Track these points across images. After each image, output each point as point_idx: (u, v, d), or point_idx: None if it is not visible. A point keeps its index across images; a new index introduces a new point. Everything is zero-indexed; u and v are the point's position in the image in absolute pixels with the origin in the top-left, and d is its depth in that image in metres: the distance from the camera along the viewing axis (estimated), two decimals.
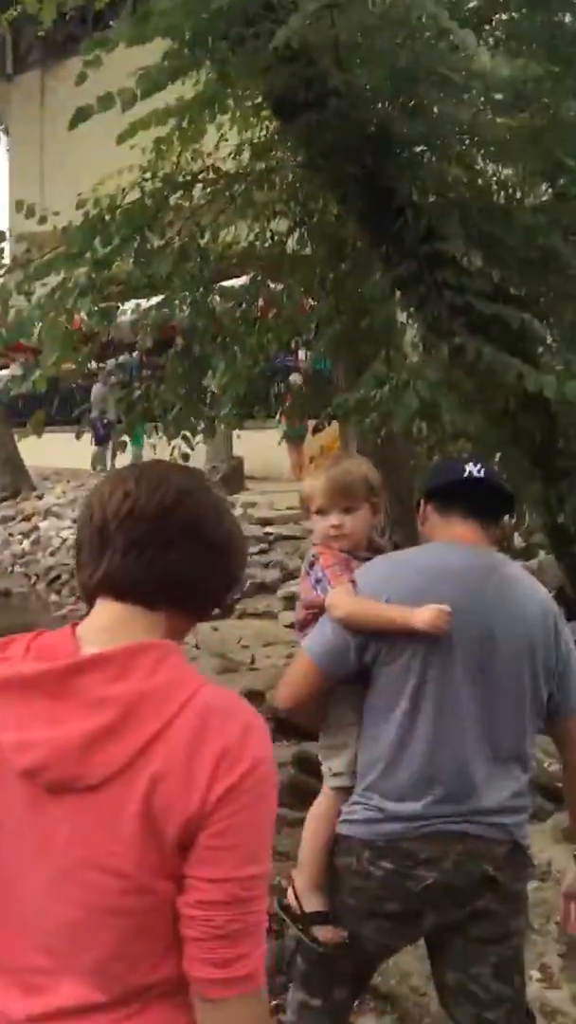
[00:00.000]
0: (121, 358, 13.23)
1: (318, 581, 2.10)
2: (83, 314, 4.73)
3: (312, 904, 2.08)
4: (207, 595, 1.33)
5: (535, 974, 3.05)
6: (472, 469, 2.12)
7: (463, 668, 1.98)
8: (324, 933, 2.05)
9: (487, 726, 1.99)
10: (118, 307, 4.85)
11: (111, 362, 13.49)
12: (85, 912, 1.13)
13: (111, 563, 1.25)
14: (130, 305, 5.97)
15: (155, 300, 5.59)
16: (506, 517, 6.40)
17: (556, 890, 3.33)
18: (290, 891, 2.14)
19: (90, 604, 1.29)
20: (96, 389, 15.37)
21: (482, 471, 2.13)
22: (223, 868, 1.12)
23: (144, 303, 5.83)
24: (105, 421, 14.22)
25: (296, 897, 2.11)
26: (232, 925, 1.12)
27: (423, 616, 1.94)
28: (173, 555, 1.25)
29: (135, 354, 17.52)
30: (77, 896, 1.13)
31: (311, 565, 2.17)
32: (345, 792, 2.09)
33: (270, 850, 1.20)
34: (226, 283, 5.99)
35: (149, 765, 1.12)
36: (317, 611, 2.12)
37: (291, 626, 3.54)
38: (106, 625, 1.24)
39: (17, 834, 1.15)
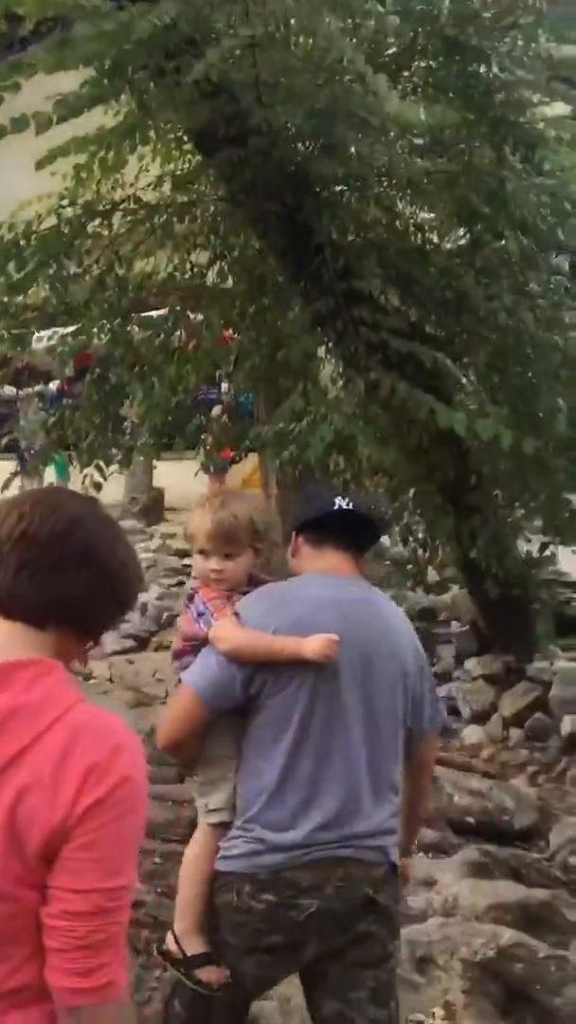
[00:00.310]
0: (38, 387, 13.10)
1: (200, 615, 2.08)
2: None
3: (194, 947, 2.02)
4: (96, 618, 1.35)
5: (438, 1011, 3.03)
6: (341, 502, 2.17)
7: (348, 695, 2.00)
8: (208, 974, 1.99)
9: (370, 751, 2.02)
10: (33, 333, 4.77)
11: (28, 390, 13.30)
12: None
13: (2, 582, 1.27)
14: (47, 333, 5.91)
15: (72, 329, 5.54)
16: (420, 551, 6.50)
17: (462, 926, 3.33)
18: (169, 936, 2.08)
19: None
20: (29, 418, 15.08)
21: (350, 504, 2.18)
22: (88, 879, 1.14)
23: (61, 331, 5.77)
24: (31, 451, 13.97)
25: (176, 942, 2.05)
26: (95, 935, 1.14)
27: (313, 646, 1.96)
28: (64, 578, 1.27)
29: (54, 383, 17.44)
30: None
31: (190, 598, 2.17)
32: (223, 828, 2.05)
33: (135, 864, 1.22)
34: (145, 314, 5.97)
35: (15, 777, 1.14)
36: (197, 644, 2.10)
37: None
38: None
39: None
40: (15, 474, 4.98)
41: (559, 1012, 2.99)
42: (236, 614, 2.05)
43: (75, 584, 1.28)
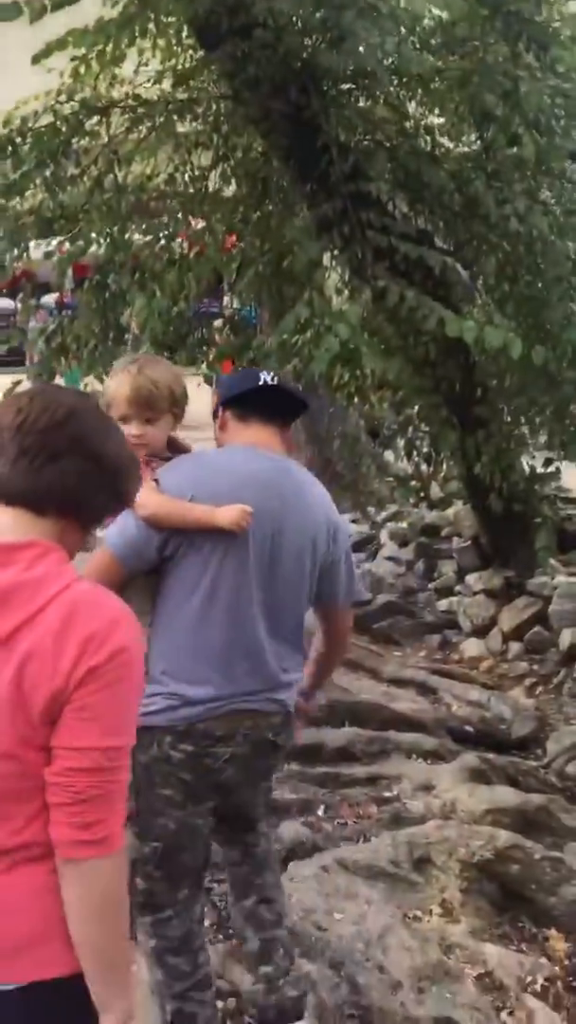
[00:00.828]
0: (42, 298, 12.85)
1: None
2: None
3: None
4: (93, 507, 1.42)
5: (436, 909, 3.11)
6: (266, 377, 2.25)
7: (256, 560, 2.14)
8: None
9: (274, 612, 2.19)
10: (30, 239, 4.64)
11: (28, 302, 13.04)
12: None
13: (1, 470, 1.34)
14: (44, 242, 5.74)
15: (69, 236, 5.39)
16: (424, 467, 6.46)
17: (459, 828, 3.40)
18: None
19: None
20: (31, 327, 14.85)
21: (275, 379, 2.27)
22: (87, 738, 1.25)
23: (59, 240, 5.61)
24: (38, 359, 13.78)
25: None
26: (93, 791, 1.25)
27: (227, 515, 2.07)
28: (60, 465, 1.35)
29: (52, 296, 17.11)
30: None
31: None
32: None
33: (133, 728, 1.33)
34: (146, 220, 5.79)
35: (19, 647, 1.24)
36: None
37: None
38: None
39: None
40: (17, 383, 4.90)
41: (554, 911, 3.08)
42: (156, 480, 2.13)
43: (70, 472, 1.35)
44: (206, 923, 2.98)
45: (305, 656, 2.39)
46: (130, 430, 2.14)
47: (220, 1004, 2.58)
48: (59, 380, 5.08)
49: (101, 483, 1.39)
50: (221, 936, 2.92)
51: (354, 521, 8.31)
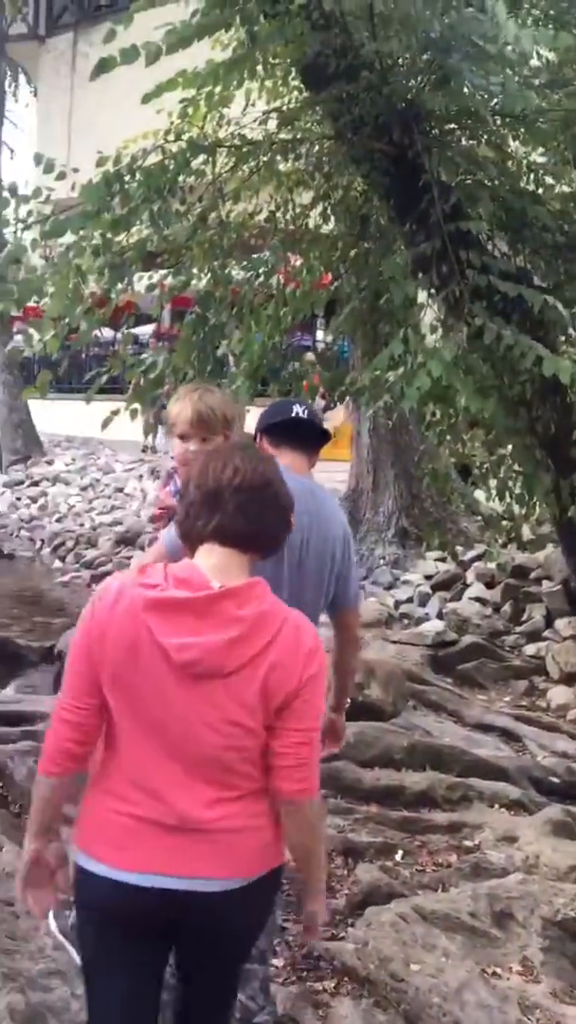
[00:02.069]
0: (135, 329, 13.13)
1: (178, 490, 2.46)
2: (95, 279, 4.64)
3: None
4: (278, 542, 1.93)
5: (516, 967, 3.00)
6: (298, 410, 2.60)
7: (288, 562, 2.46)
8: None
9: (299, 604, 2.40)
10: (132, 268, 4.76)
11: (126, 331, 13.35)
12: (222, 748, 1.76)
13: (222, 519, 1.81)
14: (147, 275, 5.88)
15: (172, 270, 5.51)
16: (516, 508, 6.34)
17: (543, 884, 3.29)
18: None
19: (192, 546, 1.85)
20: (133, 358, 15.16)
21: (305, 412, 2.60)
22: (307, 721, 1.79)
23: (162, 273, 5.75)
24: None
25: None
26: (305, 756, 1.80)
27: None
28: (265, 517, 1.84)
29: (149, 327, 17.50)
30: (215, 739, 1.75)
31: (170, 476, 2.76)
32: None
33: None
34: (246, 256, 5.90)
35: (267, 659, 1.75)
36: (169, 512, 2.60)
37: None
38: (216, 564, 1.80)
39: (162, 702, 1.75)
40: (116, 413, 5.02)
41: None
42: None
43: (272, 520, 1.86)
44: (280, 963, 2.95)
45: None
46: (188, 446, 2.53)
47: None
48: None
49: (287, 525, 1.91)
50: (294, 977, 2.87)
51: (440, 560, 8.21)
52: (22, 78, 25.02)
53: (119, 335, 6.95)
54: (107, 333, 17.40)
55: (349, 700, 2.92)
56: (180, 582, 1.76)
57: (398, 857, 3.74)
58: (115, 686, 1.75)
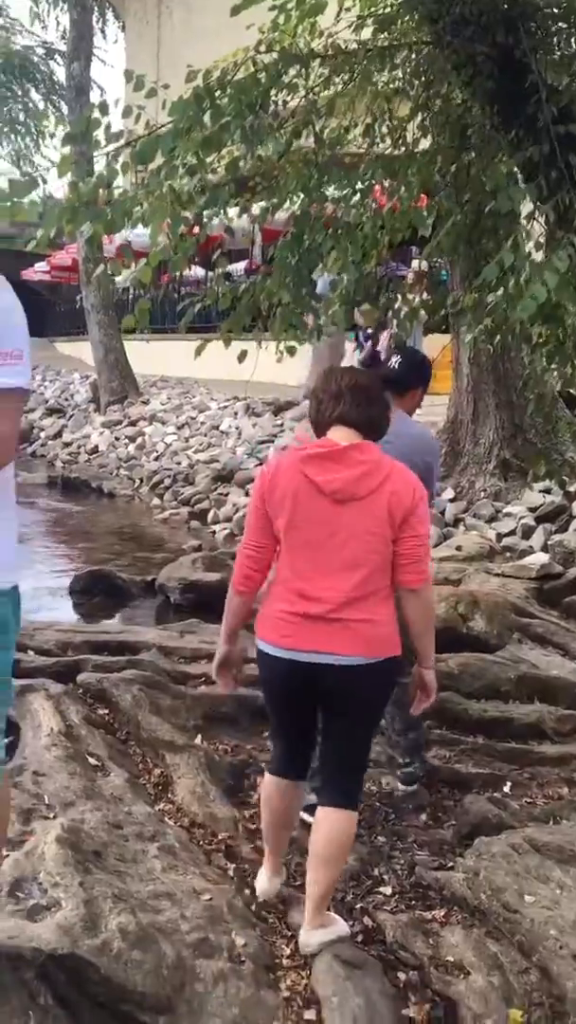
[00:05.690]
0: (229, 267, 12.92)
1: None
2: (188, 205, 4.51)
3: None
4: (380, 427, 2.72)
5: None
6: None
7: None
8: None
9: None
10: (226, 190, 4.60)
11: (219, 270, 13.17)
12: (363, 554, 2.54)
13: (343, 409, 2.64)
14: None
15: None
16: None
17: None
18: None
19: (321, 431, 2.68)
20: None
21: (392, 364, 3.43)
22: (419, 529, 2.58)
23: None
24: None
25: None
26: (420, 553, 2.59)
27: None
28: (372, 407, 2.68)
29: (241, 263, 17.25)
30: (356, 546, 2.54)
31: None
32: None
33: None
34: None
35: (387, 487, 2.56)
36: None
37: None
38: (340, 437, 2.63)
39: (320, 522, 2.56)
40: (208, 340, 4.94)
41: None
42: None
43: (375, 411, 2.70)
44: (388, 891, 2.90)
45: None
46: None
47: (402, 976, 2.49)
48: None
49: (386, 417, 2.75)
50: (403, 906, 2.83)
51: (546, 491, 7.94)
52: (109, 13, 24.81)
53: (211, 274, 6.85)
54: (199, 272, 17.34)
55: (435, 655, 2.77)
56: (320, 445, 2.62)
57: (506, 789, 3.65)
58: (285, 518, 2.56)
